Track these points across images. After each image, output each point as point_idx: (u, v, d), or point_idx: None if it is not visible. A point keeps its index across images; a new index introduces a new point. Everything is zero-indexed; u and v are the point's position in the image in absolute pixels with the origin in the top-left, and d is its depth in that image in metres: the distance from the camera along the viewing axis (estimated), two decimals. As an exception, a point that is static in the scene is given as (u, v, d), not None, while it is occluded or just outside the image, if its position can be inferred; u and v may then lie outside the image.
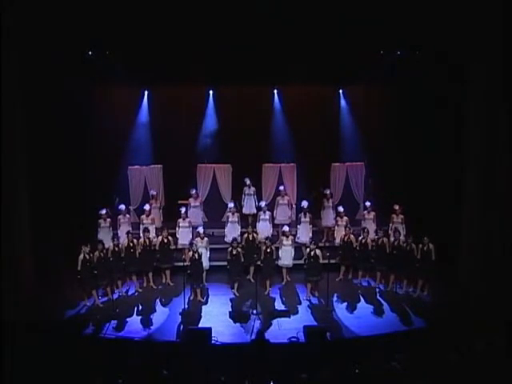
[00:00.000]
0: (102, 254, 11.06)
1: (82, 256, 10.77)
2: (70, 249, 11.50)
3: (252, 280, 11.96)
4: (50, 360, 8.02)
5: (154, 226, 12.65)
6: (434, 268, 11.29)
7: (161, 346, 9.35)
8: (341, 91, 15.21)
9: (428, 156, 13.60)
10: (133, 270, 11.72)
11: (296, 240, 12.37)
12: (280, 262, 11.96)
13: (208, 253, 11.74)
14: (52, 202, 12.27)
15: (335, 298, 11.47)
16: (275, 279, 12.05)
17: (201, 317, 10.66)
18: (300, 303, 11.28)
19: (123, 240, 11.76)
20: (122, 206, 12.66)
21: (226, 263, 11.63)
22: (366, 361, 7.77)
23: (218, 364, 8.04)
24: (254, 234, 12.21)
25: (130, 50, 12.25)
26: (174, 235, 12.30)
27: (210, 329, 9.30)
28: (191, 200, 13.22)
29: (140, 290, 11.85)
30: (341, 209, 12.86)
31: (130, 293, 11.74)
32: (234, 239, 11.76)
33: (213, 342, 9.20)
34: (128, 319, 10.47)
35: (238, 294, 11.59)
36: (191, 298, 11.36)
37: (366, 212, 13.05)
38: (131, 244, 11.64)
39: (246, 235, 12.21)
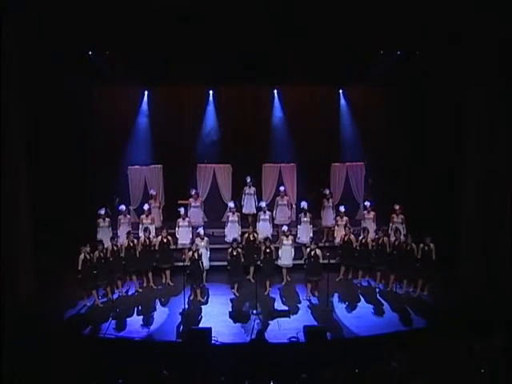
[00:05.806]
0: (101, 254, 11.06)
1: (82, 256, 10.76)
2: (70, 249, 11.49)
3: (252, 280, 11.95)
4: (50, 360, 8.03)
5: (154, 226, 12.64)
6: (434, 268, 11.30)
7: (161, 345, 9.37)
8: (341, 91, 15.19)
9: (428, 156, 13.59)
10: (133, 269, 11.72)
11: (296, 240, 12.36)
12: (280, 262, 11.95)
13: (208, 253, 11.74)
14: (52, 202, 12.27)
15: (335, 298, 11.47)
16: (275, 279, 12.04)
17: (201, 317, 10.66)
18: (300, 303, 11.27)
19: (123, 240, 11.75)
20: (123, 207, 12.65)
21: (226, 263, 11.63)
22: (366, 361, 7.78)
23: (217, 364, 8.06)
24: (254, 234, 12.20)
25: (130, 50, 12.25)
26: (173, 235, 12.29)
27: (209, 329, 9.31)
28: (191, 200, 13.21)
29: (140, 290, 11.84)
30: (341, 209, 12.84)
31: (129, 293, 11.73)
32: (234, 239, 11.76)
33: (213, 342, 9.21)
34: (128, 319, 10.46)
35: (237, 294, 11.58)
36: (191, 297, 11.35)
37: (365, 212, 13.03)
38: (131, 244, 11.63)
39: (246, 235, 12.20)
